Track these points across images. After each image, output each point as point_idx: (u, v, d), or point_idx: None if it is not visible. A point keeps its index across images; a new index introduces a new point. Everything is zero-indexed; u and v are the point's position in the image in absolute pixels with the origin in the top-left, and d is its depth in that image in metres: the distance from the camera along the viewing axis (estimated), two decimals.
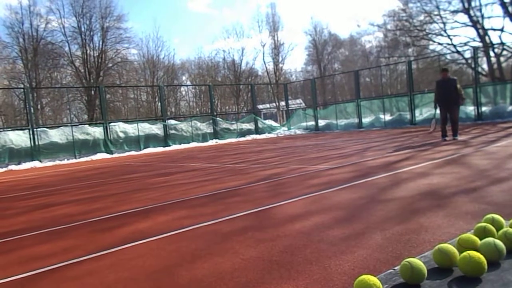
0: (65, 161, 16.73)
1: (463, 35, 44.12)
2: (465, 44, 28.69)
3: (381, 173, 5.45)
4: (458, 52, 28.37)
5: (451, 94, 9.52)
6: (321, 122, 25.51)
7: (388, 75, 38.87)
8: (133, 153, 18.59)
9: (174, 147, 20.20)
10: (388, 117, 22.07)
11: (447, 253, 1.73)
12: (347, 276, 2.08)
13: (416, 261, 1.63)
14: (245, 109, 36.44)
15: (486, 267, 1.61)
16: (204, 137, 22.63)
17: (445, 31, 29.78)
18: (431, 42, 32.20)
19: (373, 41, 48.60)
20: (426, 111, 20.34)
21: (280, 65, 40.69)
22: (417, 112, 20.82)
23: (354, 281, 1.58)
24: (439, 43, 30.95)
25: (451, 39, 29.60)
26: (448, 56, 28.19)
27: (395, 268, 1.76)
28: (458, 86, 9.62)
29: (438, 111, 9.98)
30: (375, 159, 7.29)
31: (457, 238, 1.94)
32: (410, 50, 35.77)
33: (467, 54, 26.28)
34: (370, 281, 1.50)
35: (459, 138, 9.85)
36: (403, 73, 28.38)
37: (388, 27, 36.80)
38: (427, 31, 31.50)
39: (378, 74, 33.06)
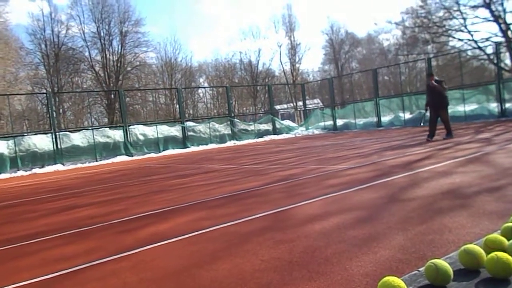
0: (87, 164, 17.04)
1: (484, 30, 43.20)
2: (487, 39, 27.98)
3: (401, 173, 5.37)
4: (479, 48, 27.70)
5: (439, 98, 9.97)
6: (339, 122, 25.30)
7: (407, 73, 38.36)
8: (152, 155, 18.81)
9: (193, 148, 20.34)
10: (407, 116, 21.72)
11: (474, 254, 1.68)
12: (369, 277, 2.05)
13: (442, 262, 1.59)
14: (263, 110, 36.49)
15: None
16: (222, 139, 22.71)
17: (465, 26, 29.12)
18: (451, 39, 31.52)
19: (391, 39, 48.00)
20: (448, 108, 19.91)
21: (297, 65, 40.63)
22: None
23: (377, 282, 1.56)
24: (459, 39, 30.27)
25: (471, 35, 28.92)
26: (469, 52, 27.54)
27: (420, 269, 1.73)
28: (443, 84, 10.07)
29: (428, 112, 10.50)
30: (395, 158, 7.19)
31: (483, 238, 1.89)
32: (429, 47, 35.15)
33: (489, 50, 25.63)
34: (394, 282, 1.48)
35: (453, 136, 10.17)
36: (422, 70, 27.97)
37: (406, 24, 36.23)
38: (446, 27, 30.86)
39: (397, 72, 32.63)
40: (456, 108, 19.06)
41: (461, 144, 8.57)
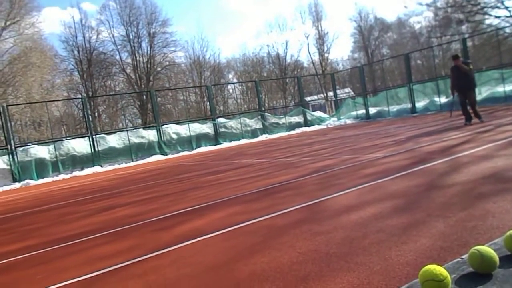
0: (123, 165, 17.50)
1: None
2: None
3: (439, 159, 5.20)
4: None
5: (466, 79, 9.69)
6: (372, 110, 24.78)
7: (441, 55, 37.01)
8: (186, 153, 19.10)
9: (225, 145, 20.50)
10: (443, 100, 20.98)
11: None
12: (410, 266, 2.00)
13: (486, 249, 1.53)
14: (293, 102, 36.25)
15: None
16: (254, 133, 22.77)
17: (502, 2, 27.77)
18: (487, 16, 30.18)
19: (423, 21, 46.52)
20: (486, 90, 19.09)
21: (326, 55, 40.07)
22: (475, 92, 19.64)
23: (418, 271, 1.52)
24: (496, 17, 28.93)
25: (510, 11, 27.58)
26: (507, 30, 26.28)
27: (463, 257, 1.67)
28: (466, 66, 9.77)
29: (456, 97, 10.17)
30: (431, 144, 6.97)
31: None
32: (463, 27, 33.77)
33: None
34: (436, 270, 1.43)
35: (484, 119, 9.72)
36: (458, 51, 26.89)
37: (438, 5, 34.92)
38: (481, 4, 29.54)
39: (430, 56, 31.57)
40: (496, 89, 18.25)
41: (502, 126, 8.20)
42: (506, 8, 27.42)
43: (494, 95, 17.81)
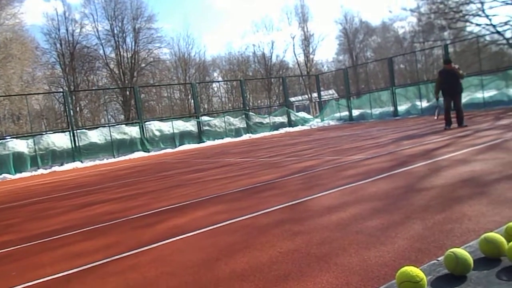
0: (105, 161, 17.28)
1: (503, 14, 42.09)
2: (506, 23, 27.23)
3: (419, 162, 5.30)
4: (498, 32, 26.99)
5: (456, 84, 9.94)
6: (355, 112, 25.05)
7: (424, 60, 37.66)
8: (168, 150, 18.97)
9: (208, 143, 20.44)
10: (425, 104, 21.36)
11: (495, 242, 1.65)
12: (388, 267, 2.03)
13: (461, 251, 1.57)
14: (277, 102, 36.37)
15: None
16: (238, 132, 22.75)
17: (483, 11, 28.38)
18: (468, 24, 30.79)
19: (407, 26, 47.21)
20: (465, 95, 19.46)
21: (311, 56, 40.34)
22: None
23: (395, 272, 1.54)
24: (477, 24, 29.51)
25: (490, 19, 28.17)
26: (487, 37, 26.87)
27: (439, 258, 1.71)
28: (460, 70, 10.00)
29: (441, 100, 10.34)
30: (412, 147, 7.09)
31: (504, 226, 1.85)
32: (446, 33, 34.38)
33: (508, 34, 25.01)
34: (413, 272, 1.46)
35: (465, 124, 9.92)
36: (439, 57, 27.43)
37: (422, 10, 35.51)
38: (463, 12, 30.13)
39: (413, 60, 32.08)
40: (475, 95, 18.66)
41: (481, 131, 8.40)
42: (487, 16, 28.03)
43: (474, 101, 18.22)
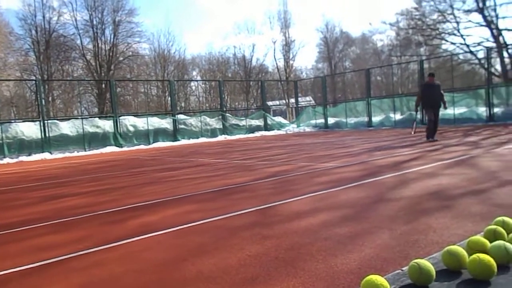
0: (75, 154, 16.88)
1: (476, 35, 43.64)
2: (479, 44, 28.29)
3: (389, 173, 5.42)
4: (471, 52, 28.01)
5: (440, 98, 10.26)
6: (331, 120, 25.38)
7: (400, 74, 38.55)
8: (142, 147, 18.70)
9: (183, 142, 20.27)
10: (398, 117, 21.88)
11: (456, 255, 1.71)
12: (354, 275, 2.07)
13: (425, 262, 1.62)
14: (255, 106, 36.40)
15: (495, 270, 1.60)
16: (213, 133, 22.66)
17: (458, 30, 29.42)
18: (443, 42, 31.86)
19: (385, 39, 48.15)
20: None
21: (291, 62, 40.55)
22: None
23: (360, 280, 1.58)
24: (452, 43, 30.59)
25: (464, 39, 29.23)
26: (461, 56, 27.83)
27: (403, 268, 1.76)
28: (442, 91, 10.36)
29: (418, 114, 10.91)
30: (384, 158, 7.25)
31: (466, 240, 1.92)
32: (422, 49, 35.45)
33: (480, 54, 25.93)
34: (377, 281, 1.50)
35: (436, 138, 10.30)
36: (415, 72, 28.14)
37: (401, 25, 36.49)
38: (440, 30, 31.14)
39: (389, 73, 32.82)
40: (446, 111, 19.21)
41: (449, 146, 8.66)
42: (462, 36, 29.00)
43: (444, 117, 18.74)
